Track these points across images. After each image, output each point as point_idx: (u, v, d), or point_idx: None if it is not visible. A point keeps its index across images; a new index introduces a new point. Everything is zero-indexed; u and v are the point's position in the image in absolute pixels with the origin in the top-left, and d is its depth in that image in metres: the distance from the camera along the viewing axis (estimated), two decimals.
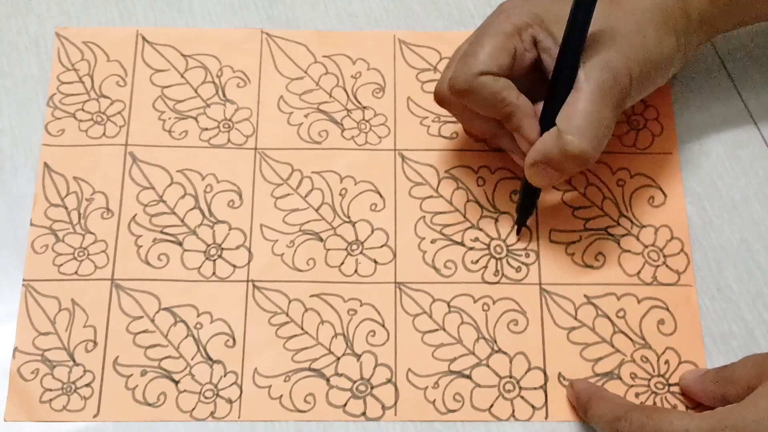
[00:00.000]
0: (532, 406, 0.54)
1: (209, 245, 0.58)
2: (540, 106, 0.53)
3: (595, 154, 0.51)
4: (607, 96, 0.51)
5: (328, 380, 0.55)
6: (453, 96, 0.53)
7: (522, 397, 0.55)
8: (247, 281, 0.57)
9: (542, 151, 0.52)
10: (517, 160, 0.56)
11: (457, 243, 0.58)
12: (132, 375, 0.55)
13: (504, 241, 0.58)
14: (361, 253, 0.58)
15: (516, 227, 0.58)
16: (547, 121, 0.52)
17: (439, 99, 0.55)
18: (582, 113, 0.50)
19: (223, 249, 0.58)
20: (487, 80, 0.52)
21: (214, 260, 0.58)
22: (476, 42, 0.52)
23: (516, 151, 0.55)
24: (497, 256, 0.58)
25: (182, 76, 0.62)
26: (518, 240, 0.58)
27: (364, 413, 0.54)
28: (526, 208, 0.57)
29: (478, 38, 0.53)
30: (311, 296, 0.57)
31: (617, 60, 0.51)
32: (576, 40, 0.51)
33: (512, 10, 0.53)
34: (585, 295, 0.57)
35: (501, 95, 0.52)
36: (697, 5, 0.54)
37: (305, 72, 0.63)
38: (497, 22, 0.53)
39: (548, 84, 0.52)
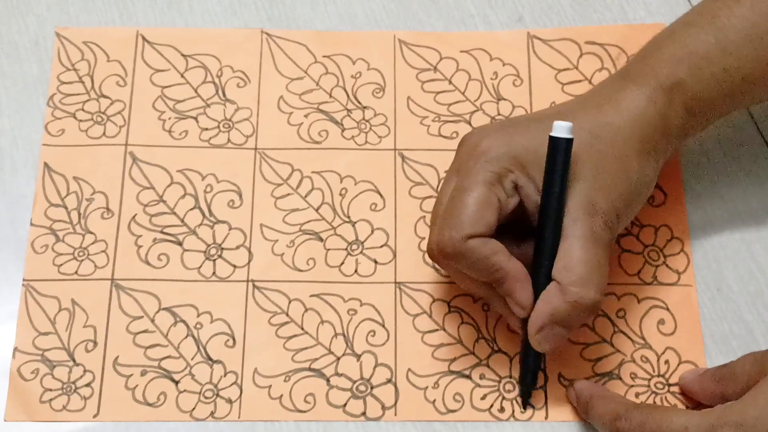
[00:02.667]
0: (532, 406, 0.54)
1: (209, 245, 0.58)
2: (523, 247, 0.51)
3: (602, 297, 0.48)
4: (599, 238, 0.49)
5: (328, 380, 0.55)
6: (442, 259, 0.50)
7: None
8: (247, 281, 0.57)
9: (548, 311, 0.49)
10: (513, 325, 0.53)
11: None
12: (132, 375, 0.55)
13: None
14: (361, 253, 0.58)
15: (521, 400, 0.54)
16: (539, 276, 0.50)
17: (432, 257, 0.52)
18: (580, 262, 0.48)
19: (223, 249, 0.58)
20: (476, 244, 0.49)
21: (214, 260, 0.58)
22: (459, 198, 0.49)
23: (511, 316, 0.52)
24: None
25: (182, 76, 0.62)
26: (523, 402, 0.54)
27: (364, 413, 0.54)
28: (531, 377, 0.53)
29: (460, 194, 0.50)
30: (311, 296, 0.57)
31: (603, 200, 0.49)
32: (557, 190, 0.49)
33: (489, 154, 0.50)
34: None
35: (491, 260, 0.49)
36: (676, 121, 0.52)
37: (305, 72, 0.63)
38: (476, 171, 0.50)
39: (535, 237, 0.50)
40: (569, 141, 0.49)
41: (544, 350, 0.51)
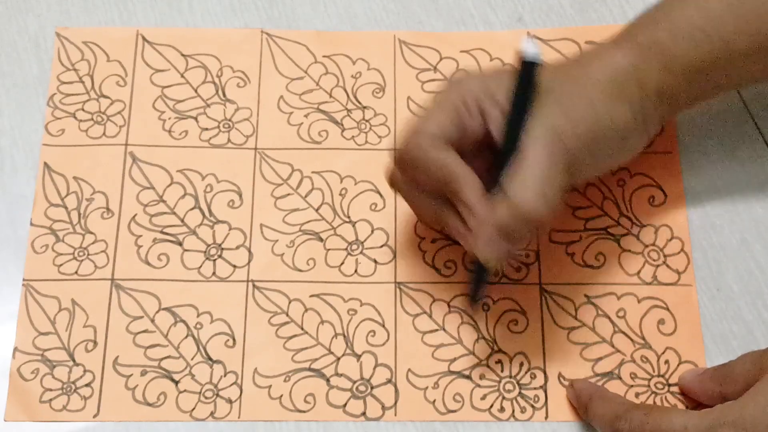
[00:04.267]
0: (532, 406, 0.54)
1: (209, 245, 0.58)
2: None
3: (548, 213, 0.48)
4: (553, 156, 0.49)
5: (328, 380, 0.55)
6: (398, 167, 0.51)
7: (522, 397, 0.54)
8: (247, 281, 0.57)
9: (491, 221, 0.49)
10: (465, 243, 0.52)
11: (457, 243, 0.58)
12: (132, 375, 0.55)
13: None
14: (361, 253, 0.58)
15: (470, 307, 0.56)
16: (496, 192, 0.50)
17: (390, 180, 0.53)
18: (530, 176, 0.48)
19: (223, 249, 0.58)
20: (433, 150, 0.50)
21: (214, 260, 0.58)
22: (423, 114, 0.51)
23: (465, 232, 0.51)
24: None
25: (182, 76, 0.62)
26: (472, 311, 0.56)
27: (364, 413, 0.54)
28: (478, 283, 0.54)
29: (426, 111, 0.51)
30: (311, 296, 0.57)
31: (562, 123, 0.50)
32: (521, 107, 0.49)
33: (459, 83, 0.52)
34: (585, 295, 0.57)
35: (446, 164, 0.50)
36: (654, 75, 0.52)
37: (305, 72, 0.63)
38: (444, 94, 0.51)
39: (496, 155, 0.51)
40: (536, 60, 0.49)
41: (488, 260, 0.50)
